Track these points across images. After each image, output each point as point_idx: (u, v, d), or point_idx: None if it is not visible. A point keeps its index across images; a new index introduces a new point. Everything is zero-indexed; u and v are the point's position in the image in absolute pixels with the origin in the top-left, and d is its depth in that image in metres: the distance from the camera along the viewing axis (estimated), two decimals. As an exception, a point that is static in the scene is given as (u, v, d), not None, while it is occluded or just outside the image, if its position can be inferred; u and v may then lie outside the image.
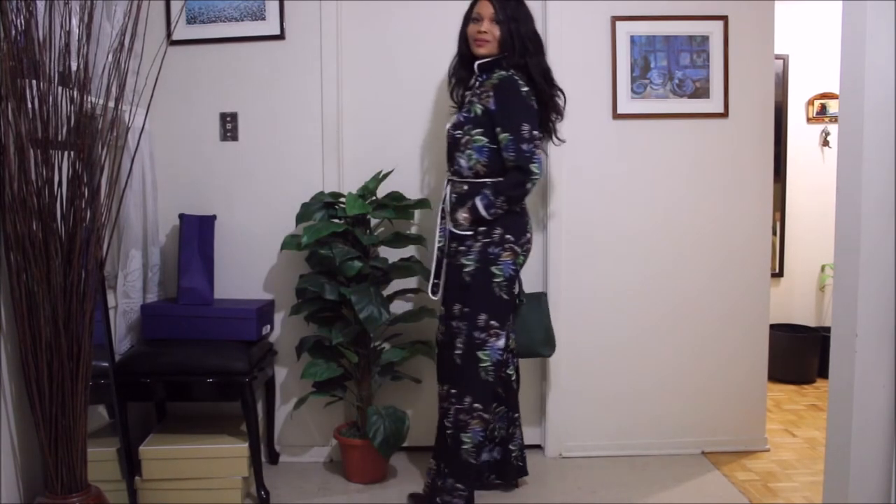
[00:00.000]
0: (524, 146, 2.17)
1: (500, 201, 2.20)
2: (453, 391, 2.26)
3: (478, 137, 2.25)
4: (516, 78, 2.23)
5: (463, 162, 2.29)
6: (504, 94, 2.21)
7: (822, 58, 3.94)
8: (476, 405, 2.23)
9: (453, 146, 2.34)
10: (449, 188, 2.37)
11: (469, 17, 2.33)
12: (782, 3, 3.11)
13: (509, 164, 2.21)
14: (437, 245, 2.40)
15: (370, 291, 2.50)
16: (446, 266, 2.33)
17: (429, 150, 2.84)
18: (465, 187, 2.29)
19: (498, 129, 2.21)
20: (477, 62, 2.32)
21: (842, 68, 1.75)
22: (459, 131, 2.30)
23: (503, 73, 2.24)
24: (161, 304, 2.62)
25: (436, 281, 2.39)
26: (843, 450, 1.73)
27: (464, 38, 2.36)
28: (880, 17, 1.64)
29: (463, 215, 2.25)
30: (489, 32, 2.26)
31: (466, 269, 2.24)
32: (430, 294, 2.42)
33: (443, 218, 2.38)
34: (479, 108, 2.25)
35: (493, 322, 2.22)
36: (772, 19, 2.83)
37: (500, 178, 2.24)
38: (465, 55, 2.37)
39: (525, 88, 2.23)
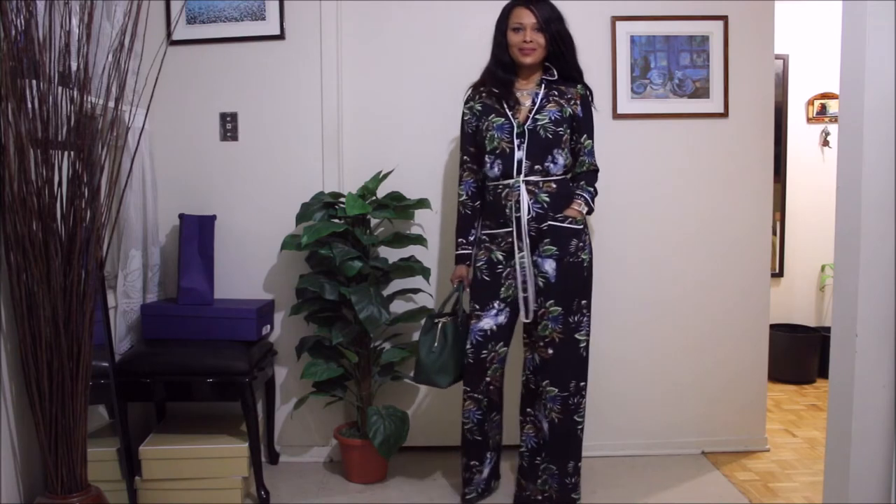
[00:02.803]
0: (595, 152, 2.42)
1: (595, 196, 2.40)
2: (582, 384, 2.33)
3: (567, 137, 2.34)
4: None
5: (561, 159, 2.32)
6: (588, 104, 2.39)
7: (822, 58, 3.94)
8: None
9: (553, 142, 2.30)
10: (530, 190, 2.28)
11: (506, 25, 2.32)
12: (782, 3, 3.10)
13: (590, 168, 2.40)
14: (527, 259, 2.28)
15: (370, 291, 2.50)
16: (560, 268, 2.28)
17: (429, 150, 2.84)
18: (554, 186, 2.31)
19: (584, 136, 2.38)
20: (545, 74, 2.35)
21: (842, 68, 1.75)
22: (561, 128, 2.31)
23: (585, 84, 2.38)
24: (161, 304, 2.62)
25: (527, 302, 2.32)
26: (843, 450, 1.73)
27: (501, 46, 2.33)
28: (880, 17, 1.64)
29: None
30: (534, 41, 2.28)
31: (585, 264, 2.33)
32: (524, 319, 2.32)
33: (531, 227, 2.29)
34: (568, 111, 2.33)
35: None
36: (772, 19, 2.83)
37: (567, 177, 2.37)
38: (506, 63, 2.33)
39: None
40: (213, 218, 2.74)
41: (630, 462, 2.82)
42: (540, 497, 2.36)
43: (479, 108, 2.37)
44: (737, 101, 2.83)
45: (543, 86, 2.34)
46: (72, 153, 1.79)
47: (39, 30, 1.71)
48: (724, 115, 2.83)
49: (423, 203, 2.67)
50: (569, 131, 2.34)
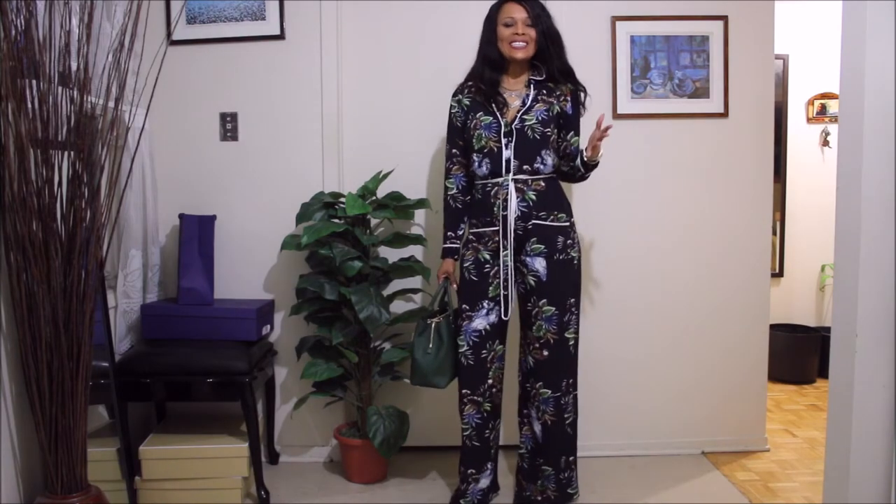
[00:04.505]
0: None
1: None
2: (571, 381, 2.33)
3: (555, 137, 2.34)
4: None
5: (549, 159, 2.31)
6: (578, 100, 2.38)
7: (822, 58, 3.94)
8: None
9: (541, 143, 2.29)
10: (518, 188, 2.27)
11: (495, 21, 2.31)
12: (782, 3, 3.10)
13: None
14: (510, 258, 2.27)
15: (370, 291, 2.50)
16: (550, 265, 2.27)
17: (428, 150, 2.84)
18: (543, 184, 2.30)
19: (571, 133, 2.37)
20: (534, 71, 2.34)
21: (842, 68, 1.75)
22: (549, 128, 2.30)
23: (575, 81, 2.36)
24: (161, 304, 2.62)
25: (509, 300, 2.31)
26: (843, 450, 1.73)
27: (490, 42, 2.31)
28: (880, 17, 1.65)
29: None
30: (526, 35, 2.27)
31: (575, 262, 2.33)
32: (503, 317, 2.31)
33: (517, 227, 2.28)
34: (556, 109, 2.32)
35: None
36: (772, 19, 2.83)
37: (555, 175, 2.36)
38: (494, 59, 2.31)
39: None
40: (213, 218, 2.74)
41: (630, 462, 2.82)
42: (540, 498, 2.36)
43: (468, 102, 2.35)
44: (737, 101, 2.83)
45: (532, 86, 2.33)
46: (72, 153, 1.79)
47: (39, 30, 1.71)
48: (724, 115, 2.83)
49: (423, 203, 2.67)
50: (556, 130, 2.33)
